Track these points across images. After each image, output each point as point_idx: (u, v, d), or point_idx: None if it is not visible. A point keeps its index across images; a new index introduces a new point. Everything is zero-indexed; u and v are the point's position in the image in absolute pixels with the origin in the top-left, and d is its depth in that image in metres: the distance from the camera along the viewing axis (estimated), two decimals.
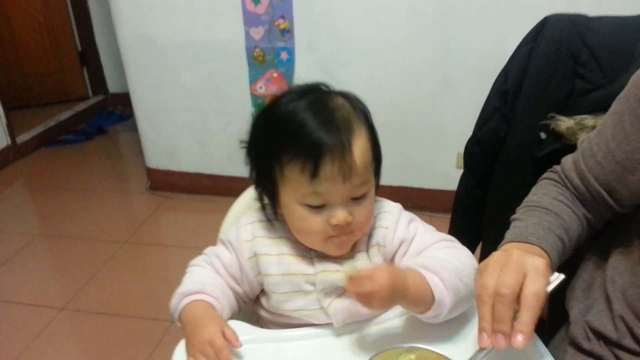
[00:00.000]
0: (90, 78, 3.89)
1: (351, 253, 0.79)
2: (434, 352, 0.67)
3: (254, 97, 2.37)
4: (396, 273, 0.67)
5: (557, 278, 0.65)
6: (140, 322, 1.86)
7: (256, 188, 0.81)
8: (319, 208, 0.73)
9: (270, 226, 0.82)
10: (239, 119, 2.48)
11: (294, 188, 0.72)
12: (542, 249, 0.71)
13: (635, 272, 0.73)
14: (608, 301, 0.77)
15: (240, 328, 0.75)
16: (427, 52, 2.14)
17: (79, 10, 3.68)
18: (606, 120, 0.77)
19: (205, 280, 0.80)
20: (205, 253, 0.84)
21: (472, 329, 0.75)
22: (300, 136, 0.70)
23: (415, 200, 2.30)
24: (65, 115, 3.58)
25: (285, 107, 0.73)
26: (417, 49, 2.15)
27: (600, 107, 0.90)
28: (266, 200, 0.80)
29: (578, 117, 0.93)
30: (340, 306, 0.77)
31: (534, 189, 0.85)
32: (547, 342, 0.90)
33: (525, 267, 0.62)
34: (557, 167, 0.85)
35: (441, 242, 0.80)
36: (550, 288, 0.64)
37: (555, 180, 0.84)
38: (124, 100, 3.24)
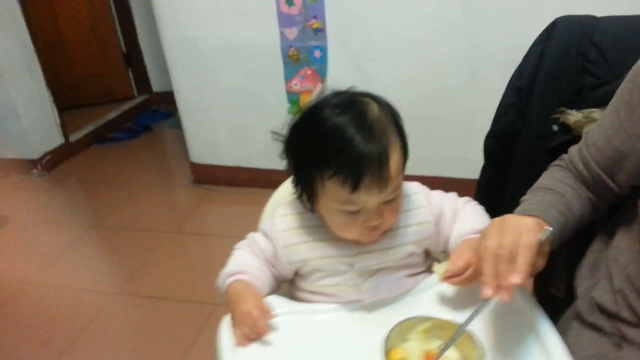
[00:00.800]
0: (135, 78, 4.06)
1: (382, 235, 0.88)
2: (446, 320, 0.77)
3: (290, 93, 2.49)
4: (469, 256, 0.80)
5: (546, 231, 0.74)
6: (187, 306, 1.99)
7: (294, 185, 0.87)
8: (354, 213, 0.80)
9: (306, 217, 0.90)
10: (276, 115, 2.59)
11: (334, 198, 0.79)
12: (542, 219, 0.80)
13: (634, 250, 0.80)
14: (610, 277, 0.85)
15: (277, 302, 0.87)
16: (454, 46, 2.20)
17: (123, 15, 3.86)
18: (606, 111, 0.85)
19: (246, 261, 0.91)
20: (247, 238, 0.95)
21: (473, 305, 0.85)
22: (345, 154, 0.75)
23: (447, 189, 2.35)
24: (113, 114, 3.77)
25: (328, 121, 0.77)
26: (444, 44, 2.20)
27: (607, 101, 0.96)
28: (303, 195, 0.87)
29: (586, 111, 1.00)
30: (373, 284, 0.88)
31: (543, 175, 0.94)
32: (557, 320, 0.98)
33: (519, 228, 0.73)
34: (564, 156, 0.93)
35: (467, 203, 0.95)
36: (542, 237, 0.73)
37: (562, 166, 0.92)
38: (167, 98, 3.40)
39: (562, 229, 0.82)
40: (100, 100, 3.95)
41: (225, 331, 0.83)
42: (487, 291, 0.70)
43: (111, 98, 3.97)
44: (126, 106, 3.92)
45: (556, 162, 0.94)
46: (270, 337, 0.82)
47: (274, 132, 0.86)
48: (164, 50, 2.58)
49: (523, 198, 0.88)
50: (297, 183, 0.87)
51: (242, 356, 0.79)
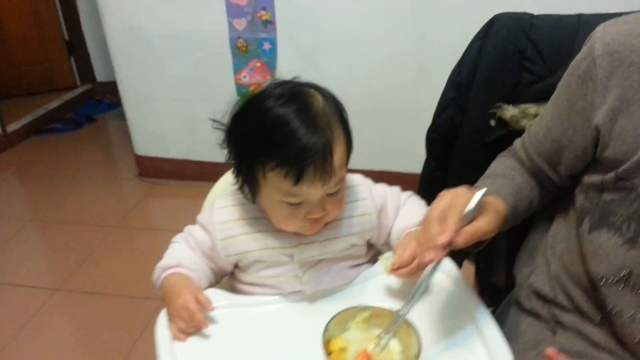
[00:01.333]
0: (78, 67, 3.91)
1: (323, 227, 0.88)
2: (385, 309, 0.78)
3: (239, 86, 2.45)
4: (415, 247, 0.80)
5: (480, 193, 0.73)
6: (131, 302, 1.95)
7: (235, 175, 0.86)
8: (296, 205, 0.80)
9: (247, 208, 0.89)
10: (224, 107, 2.55)
11: (276, 189, 0.79)
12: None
13: (570, 238, 0.83)
14: (547, 264, 0.88)
15: (215, 295, 0.86)
16: (403, 42, 2.23)
17: (65, 0, 3.71)
18: (547, 104, 0.88)
19: (182, 254, 0.89)
20: (184, 231, 0.93)
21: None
22: (288, 146, 0.74)
23: (395, 183, 2.38)
24: (54, 104, 3.62)
25: (272, 112, 0.76)
26: (394, 39, 2.23)
27: (542, 97, 1.00)
28: (245, 186, 0.86)
29: (522, 106, 1.03)
30: (313, 275, 0.88)
31: (492, 164, 0.97)
32: (496, 309, 1.02)
33: (452, 193, 0.74)
34: (510, 148, 0.97)
35: (409, 198, 0.97)
36: (477, 198, 0.72)
37: (508, 157, 0.95)
38: (111, 88, 3.28)
39: (513, 210, 0.84)
40: (40, 89, 3.78)
41: (162, 326, 0.81)
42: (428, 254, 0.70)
43: (52, 87, 3.81)
44: (68, 96, 3.77)
45: (503, 153, 0.98)
46: (208, 330, 0.80)
47: (214, 121, 0.84)
48: (107, 39, 2.49)
49: (474, 186, 0.90)
50: (238, 174, 0.85)
51: (180, 351, 0.78)
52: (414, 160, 2.44)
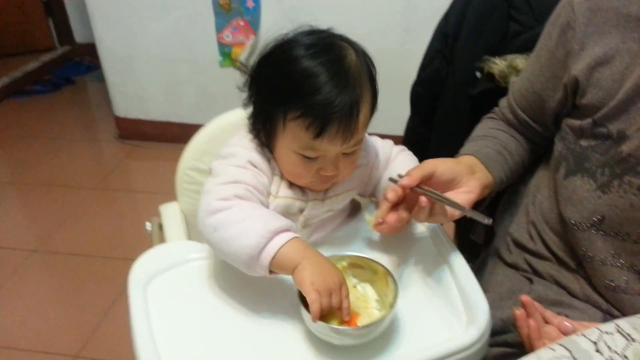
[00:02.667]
0: (57, 28, 3.78)
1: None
2: (363, 257, 0.76)
3: (221, 45, 2.38)
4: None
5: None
6: (110, 262, 1.93)
7: (251, 120, 0.81)
8: (311, 159, 0.76)
9: (262, 152, 0.82)
10: (207, 68, 2.50)
11: (294, 140, 0.75)
12: (476, 157, 0.83)
13: (550, 187, 0.83)
14: (527, 214, 0.87)
15: (192, 247, 0.84)
16: (390, 3, 2.18)
17: None
18: (529, 58, 0.87)
19: (273, 214, 0.74)
20: (218, 188, 0.76)
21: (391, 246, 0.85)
22: (315, 98, 0.71)
23: None
24: (31, 66, 3.51)
25: (302, 61, 0.72)
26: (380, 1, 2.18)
27: (528, 48, 0.97)
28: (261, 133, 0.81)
29: (509, 57, 1.01)
30: (308, 232, 0.86)
31: (476, 127, 0.95)
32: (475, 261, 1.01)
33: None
34: (495, 108, 0.96)
35: (401, 151, 0.93)
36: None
37: (493, 118, 0.95)
38: (92, 50, 3.18)
39: (502, 166, 0.84)
40: (17, 51, 3.66)
41: (136, 286, 0.77)
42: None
43: (29, 49, 3.68)
44: (46, 58, 3.65)
45: (488, 114, 0.96)
46: (185, 285, 0.78)
47: (239, 62, 0.82)
48: None
49: (460, 152, 0.88)
50: (255, 119, 0.81)
51: (154, 309, 0.75)
52: (399, 122, 2.44)
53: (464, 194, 0.77)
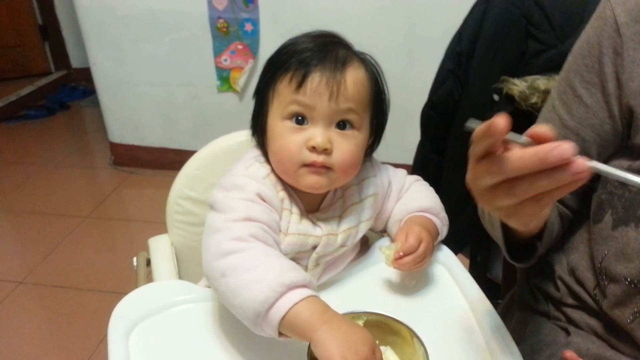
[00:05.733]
0: (52, 53, 3.76)
1: (342, 208, 0.77)
2: (382, 314, 0.64)
3: (219, 69, 2.32)
4: (419, 231, 0.73)
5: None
6: (101, 296, 1.83)
7: (251, 122, 0.78)
8: (300, 126, 0.69)
9: (269, 182, 0.74)
10: (204, 92, 2.44)
11: (281, 102, 0.70)
12: None
13: (587, 242, 0.72)
14: (551, 267, 0.77)
15: (183, 288, 0.75)
16: (392, 26, 2.13)
17: None
18: (554, 104, 0.73)
19: (290, 265, 0.64)
20: (230, 225, 0.66)
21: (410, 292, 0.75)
22: (298, 56, 0.69)
23: None
24: (26, 90, 3.47)
25: (294, 43, 0.72)
26: (382, 23, 2.12)
27: (551, 67, 0.89)
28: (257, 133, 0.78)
29: (530, 78, 0.92)
30: (319, 272, 0.77)
31: None
32: (496, 306, 0.91)
33: None
34: None
35: (416, 182, 0.87)
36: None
37: None
38: (88, 75, 3.14)
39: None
40: (13, 75, 3.63)
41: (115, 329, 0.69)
42: None
43: (25, 73, 3.65)
44: (41, 82, 3.61)
45: None
46: (172, 334, 0.69)
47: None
48: (79, 19, 2.35)
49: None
50: (254, 112, 0.77)
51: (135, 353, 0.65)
52: (403, 150, 2.37)
53: None
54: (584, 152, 0.70)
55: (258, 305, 0.57)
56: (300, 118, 0.69)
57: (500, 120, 0.43)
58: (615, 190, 0.67)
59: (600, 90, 0.67)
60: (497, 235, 0.70)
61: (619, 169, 0.44)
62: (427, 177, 0.91)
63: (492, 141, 0.46)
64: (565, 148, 0.42)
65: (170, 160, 2.56)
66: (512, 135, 0.46)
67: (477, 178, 0.50)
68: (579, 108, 0.69)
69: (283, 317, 0.57)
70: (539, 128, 0.45)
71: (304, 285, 0.60)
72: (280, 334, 0.59)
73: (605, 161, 0.70)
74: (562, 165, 0.43)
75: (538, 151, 0.43)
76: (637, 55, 0.62)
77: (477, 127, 0.47)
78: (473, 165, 0.50)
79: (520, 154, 0.45)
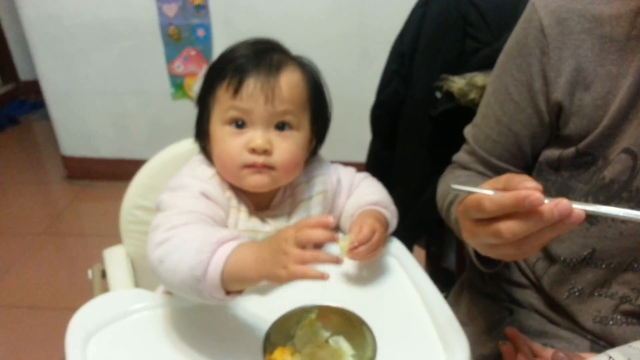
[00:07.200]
0: None
1: (292, 206, 0.81)
2: (332, 306, 0.66)
3: (172, 76, 2.31)
4: (372, 222, 0.76)
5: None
6: (58, 313, 1.78)
7: (196, 130, 0.81)
8: (239, 130, 0.73)
9: (216, 182, 0.77)
10: (158, 100, 2.41)
11: (221, 108, 0.74)
12: None
13: None
14: None
15: (139, 296, 0.74)
16: (345, 26, 2.16)
17: None
18: (489, 100, 0.77)
19: (220, 228, 0.68)
20: (167, 218, 0.67)
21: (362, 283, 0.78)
22: (232, 60, 0.73)
23: None
24: None
25: (229, 48, 0.77)
26: (335, 24, 2.16)
27: (488, 64, 0.93)
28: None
29: (468, 75, 0.97)
30: None
31: (441, 184, 0.84)
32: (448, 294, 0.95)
33: None
34: (454, 164, 0.85)
35: (365, 178, 0.90)
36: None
37: (459, 168, 0.83)
38: (36, 88, 3.05)
39: None
40: None
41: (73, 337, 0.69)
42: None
43: None
44: None
45: (449, 169, 0.86)
46: (129, 341, 0.68)
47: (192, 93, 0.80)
48: (24, 30, 2.29)
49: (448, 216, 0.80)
50: (197, 120, 0.81)
51: None
52: (359, 149, 2.40)
53: None
54: (518, 144, 0.74)
55: (195, 271, 0.57)
56: (240, 123, 0.73)
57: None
58: (549, 177, 0.72)
59: (526, 88, 0.71)
60: (469, 249, 0.73)
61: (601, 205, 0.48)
62: (379, 174, 0.94)
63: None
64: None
65: (126, 171, 2.49)
66: (478, 190, 0.50)
67: (476, 236, 0.54)
68: (509, 105, 0.73)
69: (222, 272, 0.57)
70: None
71: (232, 239, 0.60)
72: (227, 293, 0.59)
73: (539, 152, 0.75)
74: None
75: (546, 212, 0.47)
76: (562, 54, 0.67)
77: (462, 190, 0.52)
78: (473, 226, 0.53)
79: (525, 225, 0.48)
